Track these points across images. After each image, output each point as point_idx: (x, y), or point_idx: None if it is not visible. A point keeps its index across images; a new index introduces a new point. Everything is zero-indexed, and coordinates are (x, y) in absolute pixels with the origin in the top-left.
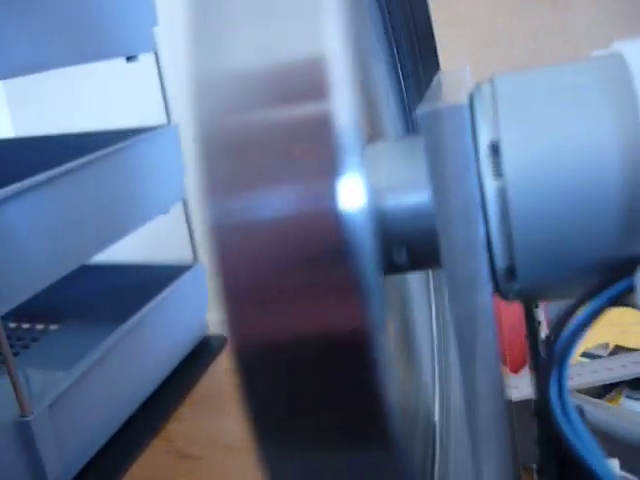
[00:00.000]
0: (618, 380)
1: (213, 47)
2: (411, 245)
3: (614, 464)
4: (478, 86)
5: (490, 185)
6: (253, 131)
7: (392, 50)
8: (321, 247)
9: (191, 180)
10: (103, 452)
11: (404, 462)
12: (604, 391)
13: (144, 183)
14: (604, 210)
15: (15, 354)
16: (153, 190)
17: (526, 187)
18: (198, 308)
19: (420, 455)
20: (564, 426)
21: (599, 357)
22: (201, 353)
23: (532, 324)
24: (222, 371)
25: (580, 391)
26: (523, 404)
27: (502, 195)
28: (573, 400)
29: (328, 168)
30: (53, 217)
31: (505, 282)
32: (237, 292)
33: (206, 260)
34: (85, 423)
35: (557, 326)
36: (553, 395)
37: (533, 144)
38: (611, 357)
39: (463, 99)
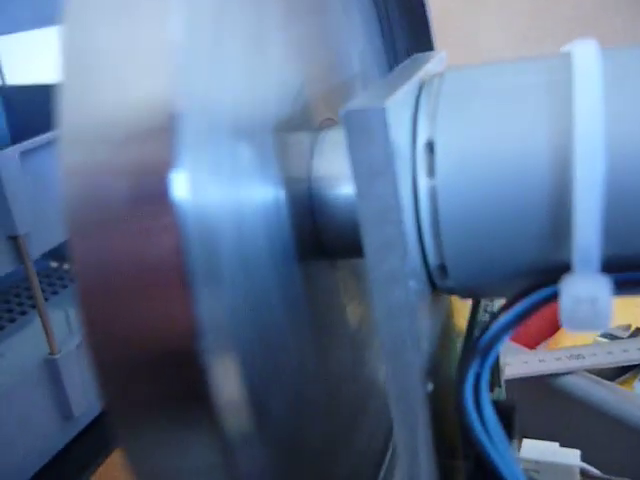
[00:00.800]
0: (633, 363)
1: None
2: (340, 234)
3: (575, 454)
4: (430, 79)
5: (423, 183)
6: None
7: (382, 25)
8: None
9: None
10: None
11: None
12: (618, 373)
13: None
14: (531, 216)
15: (54, 293)
16: None
17: (456, 189)
18: None
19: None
20: (474, 422)
21: (618, 338)
22: None
23: (473, 317)
24: None
25: (593, 372)
26: (533, 380)
27: (433, 195)
28: (489, 395)
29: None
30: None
31: (439, 279)
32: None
33: None
34: None
35: (485, 325)
36: (468, 389)
37: (467, 145)
38: (629, 339)
39: (386, 101)
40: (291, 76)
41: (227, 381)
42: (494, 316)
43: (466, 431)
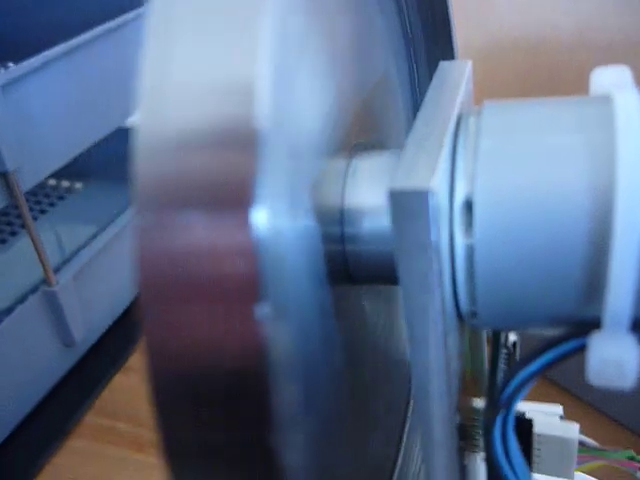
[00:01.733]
0: None
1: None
2: (369, 264)
3: (574, 428)
4: (466, 121)
5: (460, 242)
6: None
7: (406, 37)
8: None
9: None
10: (124, 316)
11: None
12: None
13: None
14: (566, 275)
15: (42, 211)
16: None
17: (493, 248)
18: None
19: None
20: (504, 467)
21: None
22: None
23: (497, 352)
24: None
25: None
26: None
27: (470, 253)
28: (515, 440)
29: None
30: (72, 92)
31: (469, 319)
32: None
33: None
34: (108, 289)
35: (509, 374)
36: (497, 438)
37: (505, 206)
38: None
39: (430, 180)
40: (330, 96)
41: (288, 401)
42: (517, 366)
43: (493, 467)
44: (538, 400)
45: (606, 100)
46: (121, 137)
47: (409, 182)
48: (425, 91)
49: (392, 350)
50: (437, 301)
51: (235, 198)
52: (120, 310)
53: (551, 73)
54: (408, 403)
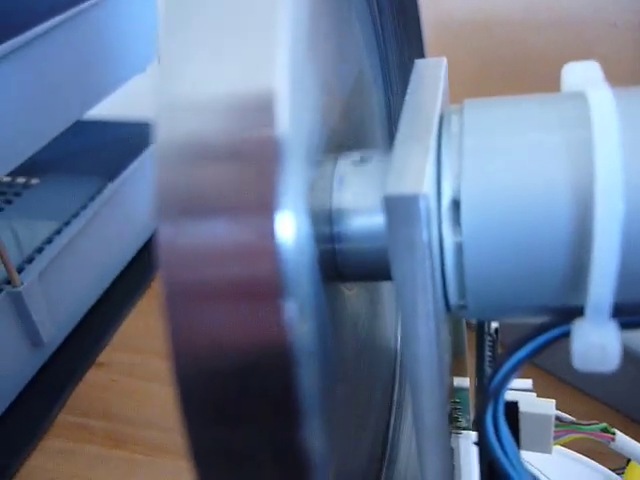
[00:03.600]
0: None
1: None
2: (364, 261)
3: (551, 404)
4: (448, 120)
5: (449, 240)
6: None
7: (378, 38)
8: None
9: None
10: (92, 312)
11: None
12: None
13: (119, 42)
14: (550, 267)
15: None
16: (129, 49)
17: (481, 244)
18: None
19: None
20: (496, 450)
21: None
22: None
23: (482, 341)
24: None
25: None
26: None
27: (459, 250)
28: (506, 424)
29: (269, 206)
30: (27, 87)
31: (457, 312)
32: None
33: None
34: (74, 286)
35: (496, 363)
36: (489, 423)
37: (491, 204)
38: None
39: (423, 186)
40: (321, 99)
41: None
42: (504, 355)
43: (487, 453)
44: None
45: (582, 97)
46: (76, 130)
47: (402, 187)
48: (396, 90)
49: (376, 341)
50: (430, 298)
51: (260, 202)
52: (87, 306)
53: (506, 51)
54: (392, 398)
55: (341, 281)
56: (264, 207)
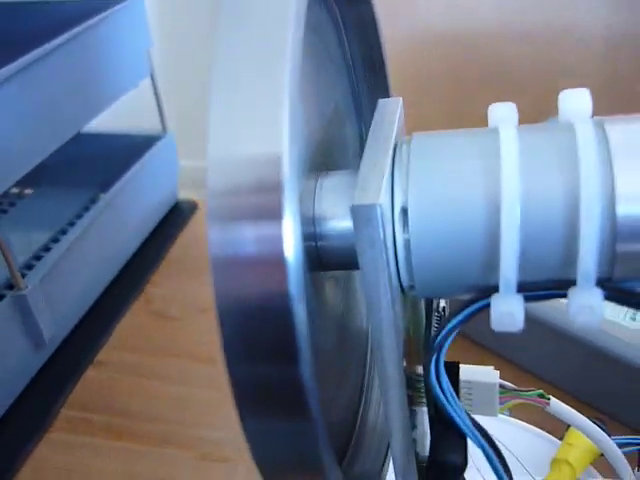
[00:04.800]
0: None
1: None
2: (336, 255)
3: (495, 374)
4: (400, 147)
5: (400, 237)
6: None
7: (351, 81)
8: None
9: (156, 54)
10: (90, 313)
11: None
12: None
13: (114, 60)
14: (474, 256)
15: None
16: (122, 67)
17: (423, 240)
18: (170, 175)
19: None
20: (438, 393)
21: None
22: (173, 218)
23: (429, 314)
24: (193, 237)
25: None
26: None
27: (407, 244)
28: (445, 373)
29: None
30: (26, 107)
31: (409, 291)
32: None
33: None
34: (73, 289)
35: (438, 328)
36: (432, 371)
37: (430, 210)
38: None
39: (379, 197)
40: (307, 128)
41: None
42: (445, 320)
43: (431, 397)
44: (463, 358)
45: (496, 132)
46: (69, 142)
47: (364, 199)
48: (367, 121)
49: (350, 321)
50: (385, 278)
51: (274, 213)
52: (86, 307)
53: (479, 62)
54: (365, 365)
55: (323, 269)
56: (276, 216)
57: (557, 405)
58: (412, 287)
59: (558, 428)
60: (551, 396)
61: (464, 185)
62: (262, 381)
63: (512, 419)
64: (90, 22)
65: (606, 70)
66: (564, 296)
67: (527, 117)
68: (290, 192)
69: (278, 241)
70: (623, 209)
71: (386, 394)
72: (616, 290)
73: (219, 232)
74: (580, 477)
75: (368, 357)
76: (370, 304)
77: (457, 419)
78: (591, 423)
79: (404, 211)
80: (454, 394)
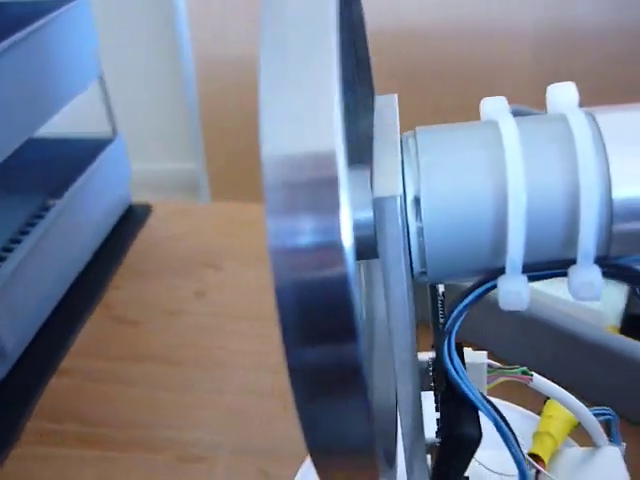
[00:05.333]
0: None
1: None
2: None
3: (482, 354)
4: (405, 141)
5: (413, 226)
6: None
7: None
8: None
9: (104, 56)
10: (51, 321)
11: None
12: None
13: (63, 62)
14: (482, 240)
15: None
16: (72, 68)
17: (436, 227)
18: (122, 178)
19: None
20: (451, 371)
21: None
22: (128, 222)
23: (435, 300)
24: (150, 239)
25: None
26: None
27: (421, 233)
28: (456, 353)
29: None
30: None
31: (419, 278)
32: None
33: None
34: (32, 298)
35: (449, 310)
36: (445, 352)
37: (442, 199)
38: None
39: (398, 189)
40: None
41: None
42: (454, 303)
43: (444, 375)
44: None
45: (495, 125)
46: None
47: (385, 192)
48: (359, 116)
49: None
50: (403, 265)
51: (332, 204)
52: (46, 316)
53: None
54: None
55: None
56: (334, 206)
57: (539, 380)
58: (423, 273)
59: (535, 407)
60: (533, 372)
61: (472, 175)
62: (320, 362)
63: (493, 398)
64: (37, 24)
65: (538, 65)
66: (564, 275)
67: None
68: (345, 184)
69: (337, 230)
70: (618, 192)
71: (401, 375)
72: (612, 266)
73: (279, 223)
74: (560, 447)
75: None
76: (389, 290)
77: (470, 395)
78: (571, 395)
79: (417, 201)
80: (465, 372)
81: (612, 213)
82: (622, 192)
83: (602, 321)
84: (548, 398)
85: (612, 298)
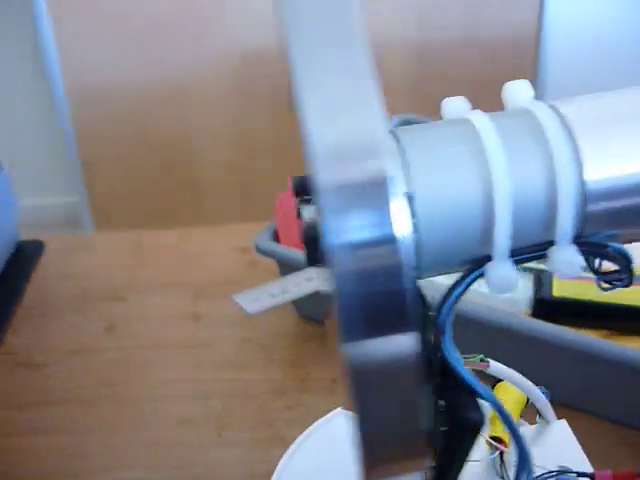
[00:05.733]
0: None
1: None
2: None
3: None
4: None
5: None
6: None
7: None
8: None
9: None
10: None
11: None
12: None
13: None
14: (472, 232)
15: None
16: None
17: (430, 222)
18: (8, 215)
19: None
20: (452, 361)
21: None
22: (19, 260)
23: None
24: (45, 277)
25: None
26: None
27: (416, 229)
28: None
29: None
30: None
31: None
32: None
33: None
34: None
35: (439, 304)
36: (444, 340)
37: (435, 195)
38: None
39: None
40: None
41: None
42: (448, 292)
43: (438, 367)
44: None
45: (468, 122)
46: None
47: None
48: None
49: None
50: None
51: (382, 200)
52: None
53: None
54: None
55: None
56: (386, 202)
57: (496, 366)
58: (418, 267)
59: None
60: (489, 359)
61: (459, 170)
62: (377, 350)
63: None
64: None
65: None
66: (544, 256)
67: None
68: (393, 182)
69: (389, 222)
70: (591, 175)
71: None
72: (587, 244)
73: (336, 221)
74: None
75: None
76: None
77: (471, 381)
78: (524, 377)
79: (409, 198)
80: (461, 360)
81: (586, 195)
82: (593, 174)
83: (519, 308)
84: (496, 383)
85: (521, 285)
